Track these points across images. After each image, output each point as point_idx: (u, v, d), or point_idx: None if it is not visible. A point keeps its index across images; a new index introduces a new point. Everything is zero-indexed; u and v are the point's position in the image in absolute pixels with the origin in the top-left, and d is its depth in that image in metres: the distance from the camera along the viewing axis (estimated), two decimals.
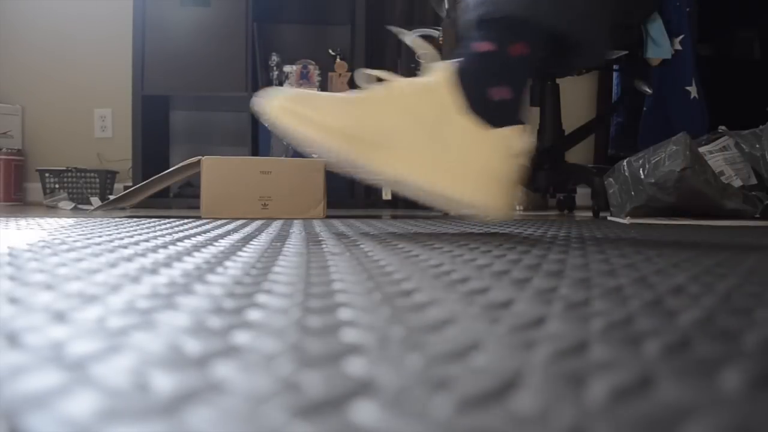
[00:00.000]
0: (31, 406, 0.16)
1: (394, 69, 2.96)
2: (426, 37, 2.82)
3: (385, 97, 0.77)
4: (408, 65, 2.76)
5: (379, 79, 0.81)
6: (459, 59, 0.80)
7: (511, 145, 0.78)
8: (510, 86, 0.79)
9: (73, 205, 2.34)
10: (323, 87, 2.80)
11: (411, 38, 0.85)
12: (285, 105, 0.74)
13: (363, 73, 0.82)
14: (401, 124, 0.76)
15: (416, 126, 0.76)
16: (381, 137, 0.75)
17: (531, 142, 0.80)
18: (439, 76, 0.79)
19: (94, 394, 0.17)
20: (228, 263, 0.46)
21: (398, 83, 0.78)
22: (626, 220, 1.34)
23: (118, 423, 0.15)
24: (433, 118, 0.76)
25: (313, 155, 0.80)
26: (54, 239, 0.67)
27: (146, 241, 0.65)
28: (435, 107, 0.77)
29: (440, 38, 1.76)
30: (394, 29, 0.89)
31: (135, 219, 1.21)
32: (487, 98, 0.78)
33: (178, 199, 2.61)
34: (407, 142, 0.75)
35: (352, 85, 2.73)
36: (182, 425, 0.15)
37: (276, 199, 1.37)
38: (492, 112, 0.78)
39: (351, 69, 2.77)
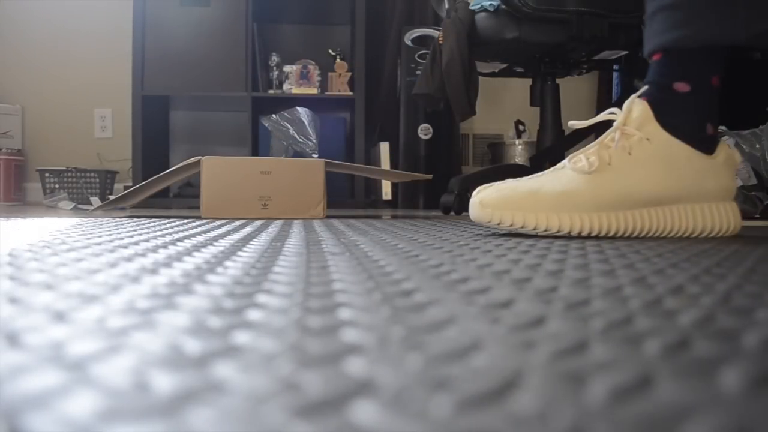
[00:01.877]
0: (31, 406, 0.16)
1: (394, 69, 2.97)
2: (425, 37, 2.82)
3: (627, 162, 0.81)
4: (408, 65, 2.76)
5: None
6: (660, 105, 0.83)
7: (732, 160, 0.85)
8: (712, 122, 0.85)
9: (73, 205, 2.34)
10: (323, 87, 2.80)
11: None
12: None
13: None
14: (665, 183, 0.82)
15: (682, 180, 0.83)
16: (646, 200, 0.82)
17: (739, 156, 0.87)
18: (649, 131, 0.82)
19: (94, 394, 0.17)
20: (228, 263, 0.46)
21: (613, 151, 0.82)
22: None
23: (118, 423, 0.15)
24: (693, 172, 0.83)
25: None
26: (54, 239, 0.67)
27: (146, 241, 0.65)
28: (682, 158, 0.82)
29: (440, 38, 1.76)
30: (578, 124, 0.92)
31: (135, 219, 1.21)
32: (704, 135, 0.84)
33: (178, 199, 2.62)
34: (675, 196, 0.83)
35: (352, 85, 2.73)
36: (182, 425, 0.15)
37: (276, 199, 1.37)
38: (709, 144, 0.84)
39: (351, 69, 2.77)
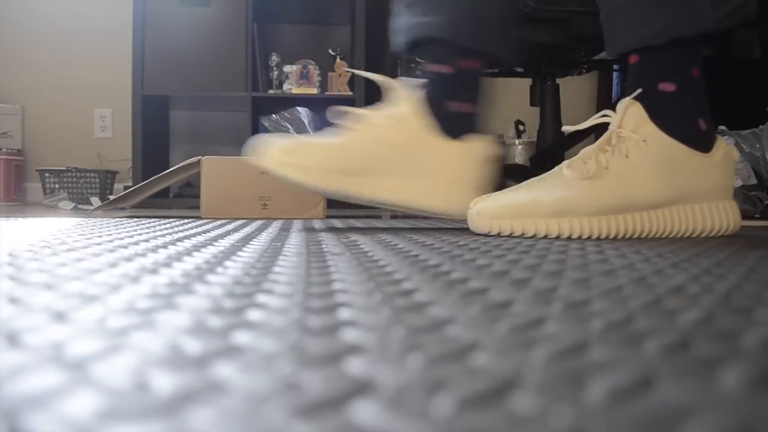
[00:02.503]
0: (31, 405, 0.16)
1: (395, 69, 2.96)
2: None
3: (361, 133, 0.87)
4: (408, 65, 2.76)
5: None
6: (420, 84, 0.90)
7: (480, 152, 0.89)
8: (469, 101, 0.91)
9: (73, 205, 2.34)
10: (323, 87, 2.80)
11: (374, 76, 0.93)
12: (279, 158, 0.85)
13: (335, 110, 0.92)
14: (378, 153, 0.86)
15: (391, 153, 0.86)
16: (363, 168, 0.86)
17: (498, 150, 0.91)
18: (405, 103, 0.89)
19: (94, 394, 0.17)
20: (228, 263, 0.46)
21: (371, 117, 0.88)
22: None
23: (118, 423, 0.15)
24: (404, 143, 0.87)
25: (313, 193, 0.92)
26: (54, 239, 0.67)
27: (146, 241, 0.65)
28: (405, 133, 0.87)
29: None
30: (357, 72, 0.98)
31: (135, 219, 1.21)
32: (450, 113, 0.89)
33: (178, 199, 2.61)
34: (385, 168, 0.86)
35: (352, 85, 2.73)
36: (182, 425, 0.15)
37: (276, 199, 1.37)
38: (456, 126, 0.89)
39: (351, 69, 2.77)
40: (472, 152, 0.89)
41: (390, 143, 0.86)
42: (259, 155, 0.86)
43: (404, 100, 0.89)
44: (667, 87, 0.83)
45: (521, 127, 2.88)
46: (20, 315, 0.27)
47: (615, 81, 2.30)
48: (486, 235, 0.80)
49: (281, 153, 0.85)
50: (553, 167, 0.87)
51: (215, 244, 0.62)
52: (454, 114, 0.89)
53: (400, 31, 0.93)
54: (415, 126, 0.87)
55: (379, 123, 0.87)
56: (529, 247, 0.62)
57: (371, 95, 2.91)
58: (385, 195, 0.86)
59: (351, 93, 2.73)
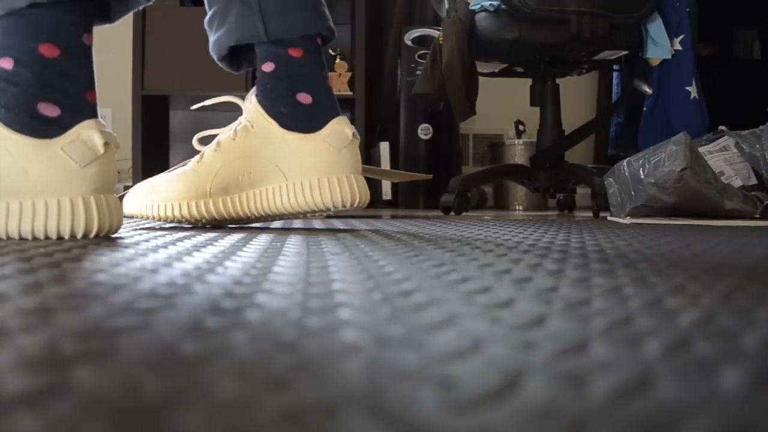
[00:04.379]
0: (27, 405, 0.16)
1: (395, 69, 2.96)
2: (425, 37, 2.82)
3: (211, 156, 0.87)
4: (408, 65, 2.76)
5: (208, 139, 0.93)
6: (255, 89, 0.90)
7: (335, 140, 0.85)
8: (307, 90, 0.87)
9: None
10: None
11: (215, 99, 0.97)
12: (132, 197, 0.90)
13: (194, 139, 0.94)
14: (237, 172, 0.86)
15: (246, 166, 0.86)
16: (223, 187, 0.86)
17: (351, 129, 0.87)
18: (249, 113, 0.88)
19: (92, 394, 0.17)
20: (228, 263, 0.46)
21: (222, 136, 0.89)
22: (626, 220, 1.34)
23: (118, 423, 0.15)
24: (256, 152, 0.85)
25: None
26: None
27: (146, 241, 0.65)
28: (257, 141, 0.86)
29: (440, 38, 1.76)
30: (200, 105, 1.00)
31: (135, 219, 1.21)
32: (295, 106, 0.86)
33: None
34: (256, 179, 0.86)
35: (352, 85, 2.73)
36: (180, 425, 0.15)
37: None
38: (297, 117, 0.86)
39: (351, 69, 2.77)
40: (328, 141, 0.85)
41: (243, 157, 0.86)
42: (125, 205, 0.91)
43: (248, 109, 0.89)
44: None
45: (521, 127, 2.88)
46: (20, 314, 0.27)
47: (615, 81, 2.30)
48: (477, 236, 0.80)
49: (137, 192, 0.90)
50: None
51: (215, 244, 0.62)
52: (299, 105, 0.86)
53: (212, 52, 0.93)
54: (263, 132, 0.86)
55: (227, 141, 0.87)
56: (530, 247, 0.62)
57: (371, 95, 2.91)
58: (260, 206, 0.85)
59: (351, 93, 2.73)
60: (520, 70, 1.95)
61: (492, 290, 0.35)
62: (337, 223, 1.08)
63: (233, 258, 0.49)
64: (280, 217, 0.87)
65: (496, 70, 1.97)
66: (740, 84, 2.78)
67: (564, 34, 1.64)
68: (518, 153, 2.73)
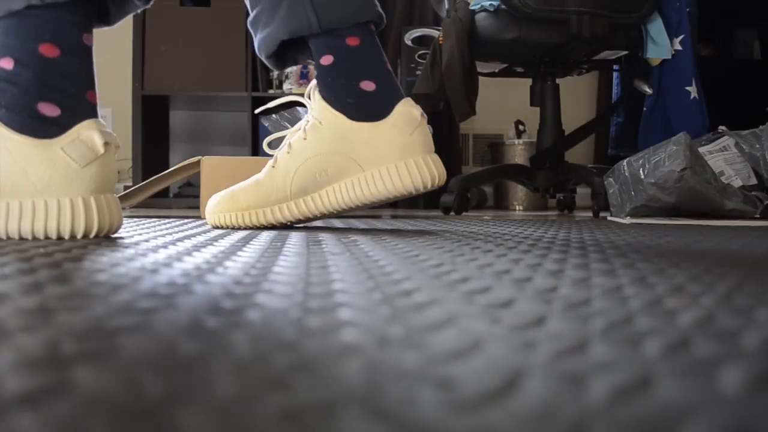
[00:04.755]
0: (27, 405, 0.16)
1: (395, 69, 2.96)
2: (425, 37, 2.82)
3: (285, 159, 0.87)
4: (408, 65, 2.76)
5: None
6: (317, 84, 0.87)
7: (404, 123, 0.85)
8: (370, 78, 0.86)
9: None
10: None
11: (280, 100, 0.92)
12: (213, 211, 0.90)
13: (264, 143, 0.92)
14: (314, 171, 0.85)
15: (322, 163, 0.85)
16: (302, 188, 0.86)
17: (418, 110, 0.87)
18: (315, 111, 0.86)
19: (92, 394, 0.17)
20: (228, 263, 0.46)
21: (292, 138, 0.88)
22: (626, 220, 1.34)
23: (118, 422, 0.15)
24: (329, 148, 0.85)
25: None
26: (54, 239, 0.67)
27: (146, 241, 0.65)
28: (328, 137, 0.85)
29: (440, 38, 1.76)
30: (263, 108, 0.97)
31: (135, 219, 1.21)
32: (360, 95, 0.85)
33: (178, 199, 2.61)
34: (334, 174, 0.85)
35: None
36: (180, 425, 0.15)
37: None
38: (364, 107, 0.85)
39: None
40: (402, 122, 0.85)
41: (315, 155, 0.85)
42: (208, 217, 0.91)
43: (311, 109, 0.87)
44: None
45: (521, 127, 2.88)
46: (19, 314, 0.27)
47: (615, 81, 2.30)
48: (477, 236, 0.80)
49: (217, 206, 0.90)
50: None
51: (215, 244, 0.62)
52: (363, 95, 0.85)
53: (260, 50, 0.90)
54: (334, 127, 0.85)
55: (297, 143, 0.86)
56: (530, 247, 0.62)
57: None
58: (330, 203, 0.85)
59: None
60: (520, 70, 1.95)
61: (492, 290, 0.35)
62: (337, 223, 1.08)
63: (233, 258, 0.49)
64: (362, 208, 0.87)
65: (496, 70, 1.96)
66: (740, 84, 2.78)
67: (564, 34, 1.64)
68: (518, 153, 2.73)
